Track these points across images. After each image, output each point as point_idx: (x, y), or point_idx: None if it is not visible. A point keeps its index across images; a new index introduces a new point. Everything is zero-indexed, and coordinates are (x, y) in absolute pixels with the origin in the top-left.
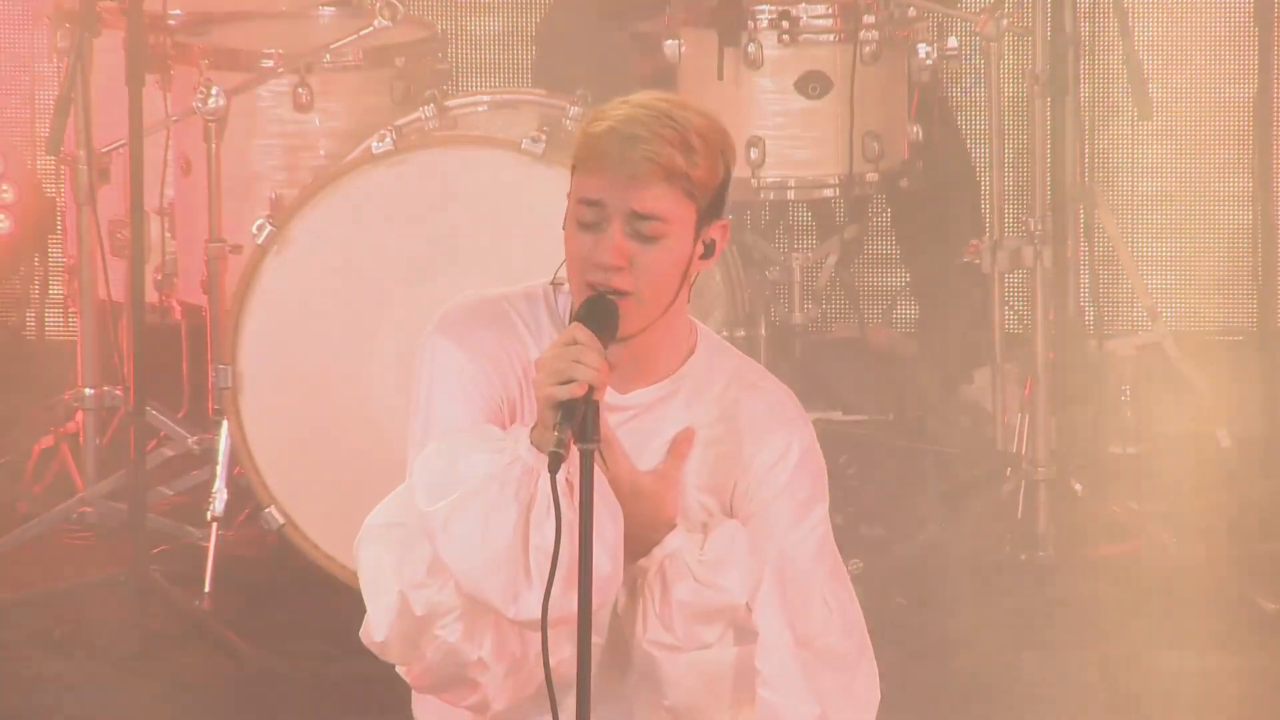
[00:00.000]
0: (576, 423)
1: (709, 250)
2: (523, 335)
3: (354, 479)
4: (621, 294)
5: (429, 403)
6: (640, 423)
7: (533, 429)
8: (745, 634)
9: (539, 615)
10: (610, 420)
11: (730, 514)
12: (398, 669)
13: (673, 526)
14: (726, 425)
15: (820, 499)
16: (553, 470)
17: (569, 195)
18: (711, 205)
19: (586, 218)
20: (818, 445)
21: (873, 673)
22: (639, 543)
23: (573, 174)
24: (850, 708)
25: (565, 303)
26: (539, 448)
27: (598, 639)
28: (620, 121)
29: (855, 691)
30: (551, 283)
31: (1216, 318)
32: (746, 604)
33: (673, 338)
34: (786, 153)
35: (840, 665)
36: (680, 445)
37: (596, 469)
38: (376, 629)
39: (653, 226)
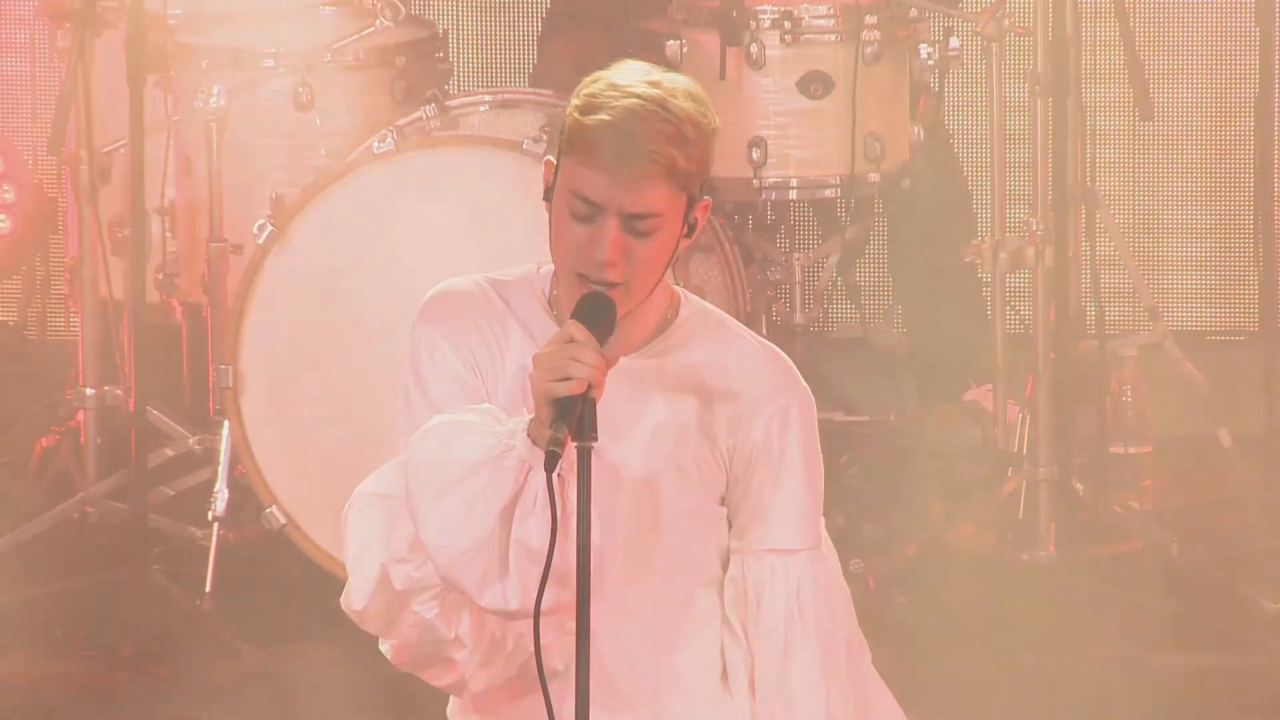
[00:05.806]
0: (573, 421)
1: (691, 230)
2: (501, 314)
3: (355, 478)
4: (613, 285)
5: (411, 385)
6: (641, 381)
7: (530, 422)
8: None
9: (511, 606)
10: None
11: (726, 469)
12: (380, 645)
13: None
14: (724, 372)
15: (807, 467)
16: (549, 469)
17: (558, 178)
18: (699, 190)
19: (580, 211)
20: (812, 403)
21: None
22: None
23: (561, 156)
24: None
25: (546, 284)
26: (535, 443)
27: None
28: (618, 116)
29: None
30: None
31: (1217, 317)
32: None
33: (654, 299)
34: (788, 153)
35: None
36: None
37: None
38: (356, 597)
39: (649, 223)
